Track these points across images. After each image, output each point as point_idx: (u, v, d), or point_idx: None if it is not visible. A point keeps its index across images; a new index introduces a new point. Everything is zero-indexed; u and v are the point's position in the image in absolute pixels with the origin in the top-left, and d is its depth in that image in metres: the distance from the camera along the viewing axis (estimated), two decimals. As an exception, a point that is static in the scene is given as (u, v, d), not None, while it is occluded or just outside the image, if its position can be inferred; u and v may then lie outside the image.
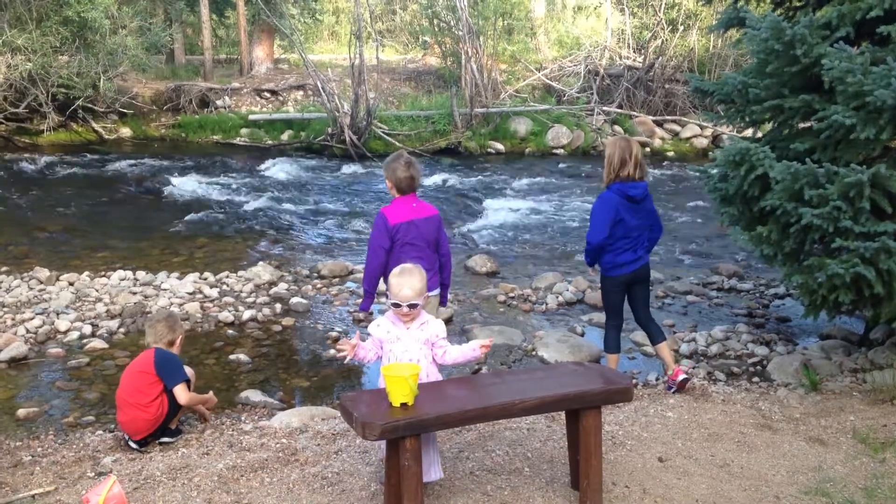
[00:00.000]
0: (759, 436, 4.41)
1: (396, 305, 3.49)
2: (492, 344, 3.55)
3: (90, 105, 15.22)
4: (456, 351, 3.53)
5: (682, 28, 19.43)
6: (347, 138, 15.05)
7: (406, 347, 3.50)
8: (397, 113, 16.84)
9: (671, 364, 5.18)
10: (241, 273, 7.80)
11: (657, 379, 5.60)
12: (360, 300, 4.83)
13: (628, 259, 5.00)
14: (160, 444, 4.35)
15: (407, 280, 3.47)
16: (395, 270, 3.55)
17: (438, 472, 3.65)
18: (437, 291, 4.66)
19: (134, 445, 4.29)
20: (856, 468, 4.02)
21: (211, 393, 4.82)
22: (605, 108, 17.67)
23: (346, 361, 3.46)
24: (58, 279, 7.42)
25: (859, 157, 5.06)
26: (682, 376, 5.09)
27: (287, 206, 11.31)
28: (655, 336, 5.22)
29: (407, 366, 3.31)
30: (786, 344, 6.21)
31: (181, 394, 4.38)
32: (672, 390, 5.11)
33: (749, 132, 6.42)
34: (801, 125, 5.61)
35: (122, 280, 7.47)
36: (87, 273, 7.62)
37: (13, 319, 6.39)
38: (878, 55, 4.99)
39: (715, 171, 5.81)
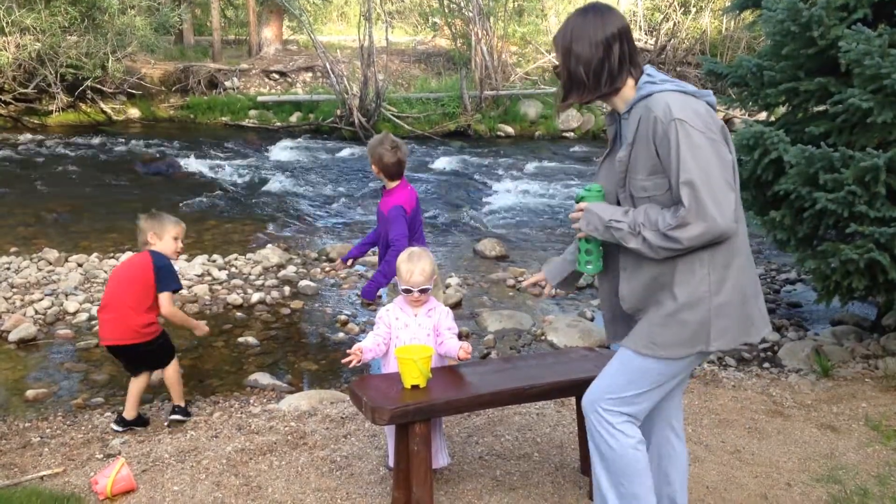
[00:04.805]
0: (771, 422, 4.38)
1: (408, 291, 3.45)
2: (470, 355, 3.46)
3: (99, 86, 15.22)
4: (450, 344, 3.47)
5: (694, 10, 19.25)
6: (356, 121, 15.00)
7: (414, 334, 3.46)
8: (406, 95, 16.78)
9: None
10: (249, 255, 7.79)
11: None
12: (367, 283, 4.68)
13: None
14: (170, 423, 4.35)
15: (417, 265, 3.42)
16: (403, 256, 3.50)
17: (446, 458, 3.64)
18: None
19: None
20: (868, 455, 3.99)
21: (203, 323, 4.60)
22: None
23: (355, 365, 3.40)
24: (66, 260, 7.42)
25: (875, 142, 4.99)
26: None
27: (295, 188, 11.28)
28: None
29: (420, 348, 3.29)
30: (797, 330, 6.17)
31: (165, 302, 4.20)
32: None
33: (762, 115, 6.34)
34: (816, 109, 5.53)
35: (131, 262, 7.46)
36: (95, 254, 7.62)
37: (22, 300, 6.40)
38: (897, 37, 4.91)
39: (728, 154, 5.74)
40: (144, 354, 4.30)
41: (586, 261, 2.79)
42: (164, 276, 4.22)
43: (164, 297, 4.22)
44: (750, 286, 2.63)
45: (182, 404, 4.46)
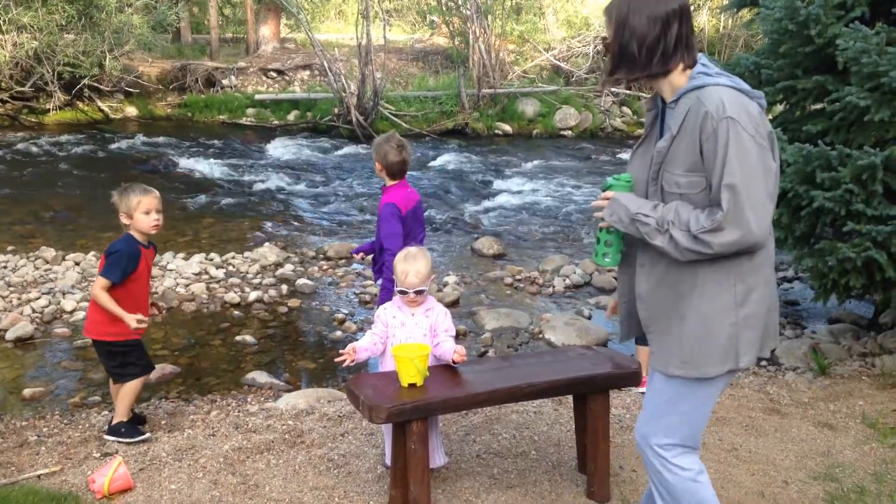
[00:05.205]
0: (768, 420, 4.38)
1: (403, 293, 3.43)
2: (465, 359, 3.44)
3: (96, 84, 15.17)
4: (445, 347, 3.45)
5: (692, 8, 19.24)
6: (354, 119, 14.97)
7: (410, 333, 3.45)
8: (404, 93, 16.75)
9: None
10: (247, 254, 7.78)
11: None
12: (369, 283, 4.69)
13: None
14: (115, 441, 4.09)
15: (412, 265, 3.40)
16: (400, 256, 3.48)
17: (442, 458, 3.63)
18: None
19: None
20: (865, 453, 4.00)
21: (135, 318, 3.95)
22: (613, 90, 17.54)
23: (348, 364, 3.39)
24: (64, 259, 7.41)
25: (872, 140, 4.99)
26: None
27: (293, 186, 11.26)
28: None
29: (417, 346, 3.28)
30: (794, 328, 6.17)
31: (97, 282, 3.96)
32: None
33: (760, 114, 6.34)
34: (814, 107, 5.53)
35: (128, 260, 7.45)
36: (92, 253, 7.60)
37: (19, 299, 6.39)
38: (894, 35, 4.91)
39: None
40: (108, 356, 4.08)
41: (604, 252, 2.68)
42: (109, 263, 4.01)
43: (98, 280, 3.99)
44: (772, 299, 2.52)
45: (118, 421, 4.11)
